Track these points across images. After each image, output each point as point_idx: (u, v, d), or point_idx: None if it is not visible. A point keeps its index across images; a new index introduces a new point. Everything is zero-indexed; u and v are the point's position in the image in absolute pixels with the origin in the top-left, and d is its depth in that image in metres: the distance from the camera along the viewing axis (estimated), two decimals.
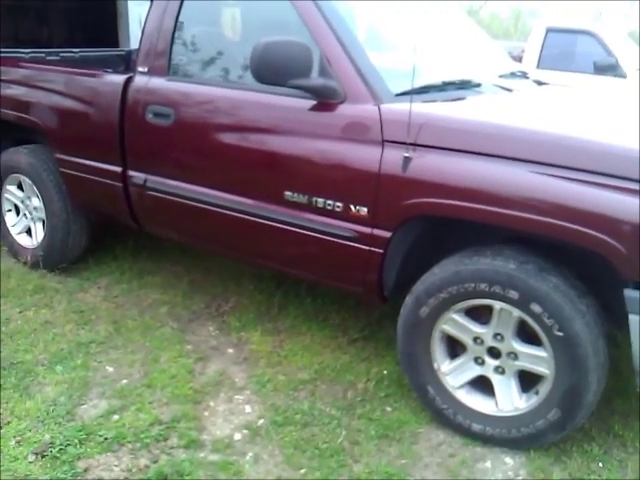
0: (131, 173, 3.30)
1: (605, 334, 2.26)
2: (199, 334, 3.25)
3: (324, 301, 3.54)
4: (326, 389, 2.81)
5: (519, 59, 8.69)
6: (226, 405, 2.70)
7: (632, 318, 2.08)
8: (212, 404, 2.70)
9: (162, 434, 2.49)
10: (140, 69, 3.24)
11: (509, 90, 3.02)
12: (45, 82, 3.68)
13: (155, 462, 2.36)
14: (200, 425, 2.56)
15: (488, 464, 2.39)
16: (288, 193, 2.72)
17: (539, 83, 3.49)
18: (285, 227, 2.77)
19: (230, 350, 3.11)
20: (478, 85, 2.92)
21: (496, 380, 2.43)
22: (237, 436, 2.52)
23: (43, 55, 4.55)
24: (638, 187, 2.03)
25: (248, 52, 2.56)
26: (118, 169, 3.34)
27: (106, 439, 2.45)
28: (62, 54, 4.68)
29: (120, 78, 3.29)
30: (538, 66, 8.38)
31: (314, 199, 2.65)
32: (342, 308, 3.48)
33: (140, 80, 3.22)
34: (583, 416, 2.31)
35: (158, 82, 3.16)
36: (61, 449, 2.38)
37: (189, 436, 2.48)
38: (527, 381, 2.40)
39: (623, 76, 7.93)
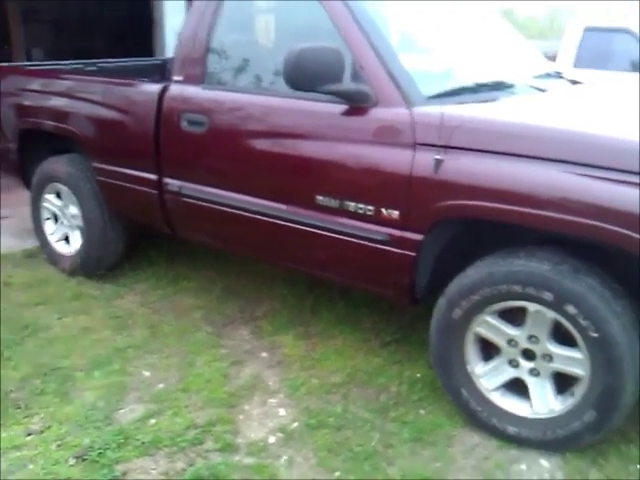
0: (166, 180, 3.35)
1: None
2: (233, 338, 3.28)
3: (356, 304, 3.55)
4: (359, 392, 2.81)
5: (554, 58, 8.59)
6: (260, 408, 2.72)
7: None
8: (247, 407, 2.72)
9: (198, 438, 2.52)
10: (176, 78, 3.30)
11: (543, 90, 2.99)
12: (83, 92, 3.76)
13: (191, 465, 2.38)
14: (235, 428, 2.59)
15: (523, 466, 2.37)
16: (320, 197, 2.73)
17: (574, 82, 3.45)
18: (317, 231, 2.79)
19: (264, 354, 3.14)
20: (511, 86, 2.90)
21: (531, 382, 2.41)
22: (271, 439, 2.53)
23: (82, 66, 4.65)
24: None
25: (281, 59, 2.58)
26: (154, 177, 3.40)
27: (143, 443, 2.49)
28: (100, 65, 4.78)
29: (156, 87, 3.35)
30: (575, 65, 8.27)
31: (346, 203, 2.66)
32: (374, 311, 3.48)
33: (175, 89, 3.27)
34: (619, 417, 2.27)
35: (193, 90, 3.20)
36: (100, 453, 2.42)
37: (224, 439, 2.51)
38: (562, 383, 2.37)
39: None
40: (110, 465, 2.37)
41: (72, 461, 2.40)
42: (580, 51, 8.42)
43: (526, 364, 2.40)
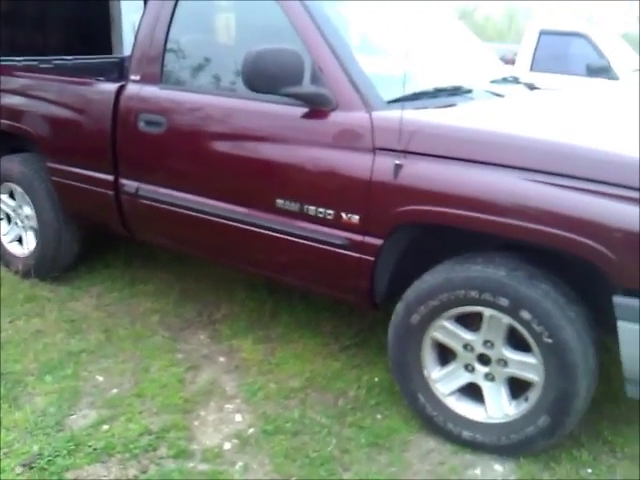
0: (123, 181, 3.29)
1: (595, 340, 2.26)
2: (190, 343, 3.24)
3: (316, 309, 3.54)
4: (317, 397, 2.80)
5: (512, 62, 8.73)
6: (216, 414, 2.69)
7: (621, 325, 2.08)
8: (202, 413, 2.69)
9: (152, 444, 2.48)
10: (132, 77, 3.24)
11: (500, 96, 3.02)
12: (37, 90, 3.68)
13: (144, 472, 2.34)
14: (190, 435, 2.55)
15: (478, 471, 2.38)
16: (280, 201, 2.72)
17: (531, 88, 3.50)
18: (277, 235, 2.77)
19: (221, 359, 3.10)
20: (469, 91, 2.93)
21: (486, 387, 2.43)
22: (227, 445, 2.50)
23: (36, 63, 4.54)
24: (625, 193, 2.04)
25: (240, 60, 2.55)
26: (110, 177, 3.33)
27: (95, 450, 2.44)
28: (55, 62, 4.67)
29: (112, 86, 3.29)
30: (531, 69, 8.41)
31: (305, 207, 2.64)
32: (334, 315, 3.47)
33: (132, 88, 3.22)
34: (572, 422, 2.31)
35: (150, 90, 3.15)
36: (49, 460, 2.36)
37: (179, 446, 2.47)
38: (517, 388, 2.39)
39: (615, 78, 7.96)
40: (59, 472, 2.32)
41: (19, 469, 2.33)
42: (537, 54, 8.56)
43: (481, 369, 2.42)
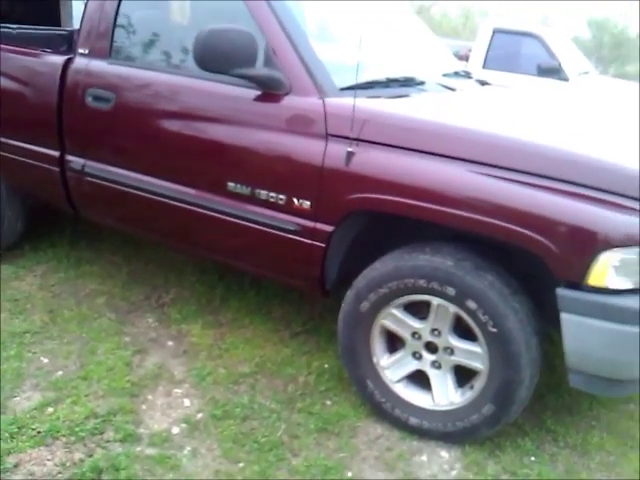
0: (69, 158, 3.20)
1: (538, 331, 2.32)
2: (138, 326, 3.19)
3: (267, 294, 3.53)
4: (266, 383, 2.80)
5: (466, 58, 8.83)
6: (164, 399, 2.66)
7: (563, 316, 2.14)
8: (150, 397, 2.66)
9: (98, 427, 2.44)
10: (81, 50, 3.15)
11: (452, 89, 3.06)
12: None
13: (90, 456, 2.31)
14: (137, 419, 2.52)
15: (424, 458, 2.43)
16: (231, 184, 2.69)
17: (482, 83, 3.55)
18: (227, 218, 2.74)
19: (170, 343, 3.07)
20: (422, 83, 2.95)
21: (433, 374, 2.47)
22: (175, 430, 2.49)
23: None
24: (569, 187, 2.10)
25: (193, 38, 2.51)
26: (55, 153, 3.24)
27: (39, 433, 2.39)
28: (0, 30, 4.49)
29: (59, 59, 3.19)
30: (484, 66, 8.53)
31: (257, 191, 2.63)
32: (285, 301, 3.47)
33: (80, 62, 3.13)
34: (516, 411, 2.37)
35: (99, 65, 3.07)
36: None
37: (125, 430, 2.44)
38: (463, 376, 2.44)
39: (565, 79, 8.14)
40: (0, 456, 2.26)
41: None
42: (490, 52, 8.69)
43: (429, 357, 2.47)
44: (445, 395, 2.45)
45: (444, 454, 2.45)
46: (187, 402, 2.65)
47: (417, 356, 2.49)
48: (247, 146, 2.65)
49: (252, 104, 2.64)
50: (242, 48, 2.49)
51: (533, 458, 2.47)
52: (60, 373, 2.77)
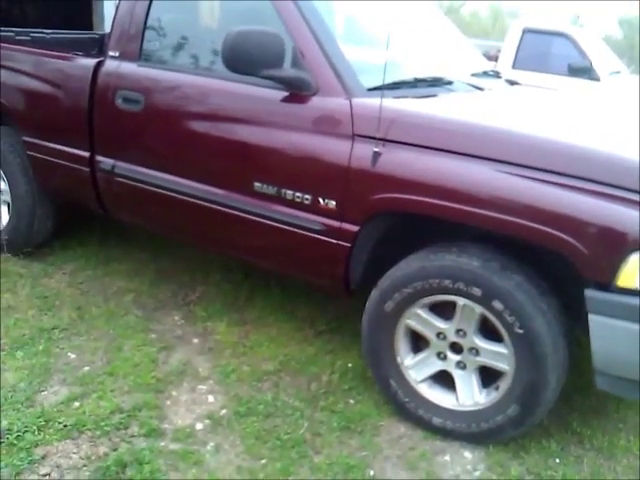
0: (99, 158, 3.25)
1: (566, 332, 2.30)
2: (164, 323, 3.23)
3: (292, 293, 3.54)
4: (290, 381, 2.81)
5: (495, 59, 8.77)
6: (189, 395, 2.69)
7: (592, 318, 2.11)
8: (175, 393, 2.69)
9: (123, 422, 2.47)
10: (111, 53, 3.20)
11: (480, 89, 3.04)
12: (14, 63, 3.60)
13: (115, 450, 2.34)
14: (162, 414, 2.55)
15: (447, 458, 2.42)
16: (257, 184, 2.71)
17: (511, 83, 3.52)
18: (254, 218, 2.76)
19: (195, 340, 3.10)
20: (450, 83, 2.94)
21: (457, 375, 2.46)
22: (199, 426, 2.51)
23: (12, 35, 4.45)
24: (599, 188, 2.07)
25: (221, 40, 2.53)
26: (86, 154, 3.29)
27: (65, 426, 2.43)
28: (33, 35, 4.58)
29: (91, 62, 3.25)
30: (514, 66, 8.46)
31: (283, 191, 2.64)
32: (310, 300, 3.48)
33: (111, 64, 3.18)
34: (542, 413, 2.35)
35: (129, 67, 3.12)
36: (19, 436, 2.35)
37: (150, 425, 2.47)
38: (488, 377, 2.43)
39: (597, 79, 8.03)
40: (29, 448, 2.30)
41: None
42: (519, 52, 8.61)
43: (453, 357, 2.45)
44: (470, 396, 2.43)
45: (467, 454, 2.43)
46: (211, 398, 2.67)
47: (442, 356, 2.48)
48: (274, 146, 2.66)
49: (279, 105, 2.66)
50: (270, 49, 2.51)
51: (558, 460, 2.44)
52: (87, 368, 2.81)
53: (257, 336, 3.14)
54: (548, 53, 8.66)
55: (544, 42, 8.63)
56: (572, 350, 2.36)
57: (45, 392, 2.63)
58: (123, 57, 3.15)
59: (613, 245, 2.05)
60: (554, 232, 2.10)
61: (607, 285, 2.08)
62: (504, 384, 2.34)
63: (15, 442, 2.32)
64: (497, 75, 3.57)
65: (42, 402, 2.56)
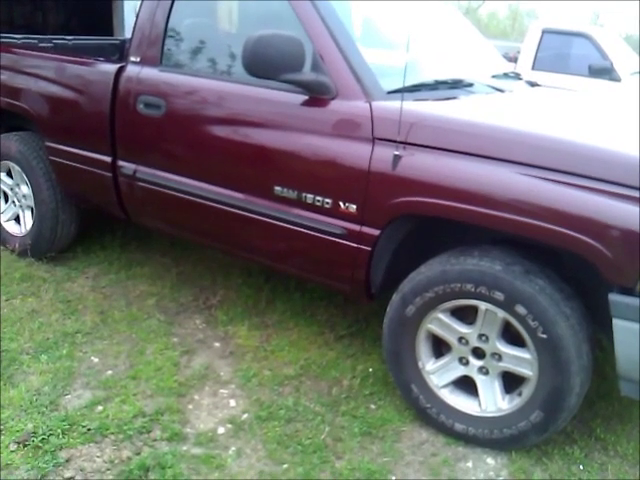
0: (121, 163, 3.28)
1: (590, 337, 2.27)
2: (186, 327, 3.25)
3: (312, 297, 3.54)
4: (311, 385, 2.81)
5: (515, 60, 8.71)
6: (210, 399, 2.70)
7: (616, 322, 2.09)
8: (197, 397, 2.70)
9: (145, 426, 2.49)
10: (132, 59, 3.23)
11: (501, 90, 3.02)
12: (37, 69, 3.65)
13: (137, 454, 2.35)
14: (184, 418, 2.56)
15: (470, 464, 2.40)
16: (277, 188, 2.71)
17: (531, 84, 3.50)
18: (274, 222, 2.77)
19: (216, 344, 3.11)
20: (470, 85, 2.92)
21: (480, 380, 2.44)
22: (221, 430, 2.51)
23: (35, 42, 4.51)
24: (623, 191, 2.04)
25: (241, 45, 2.54)
26: (108, 159, 3.32)
27: (89, 430, 2.45)
28: (55, 41, 4.64)
29: (112, 67, 3.28)
30: (533, 67, 8.40)
31: (303, 195, 2.64)
32: (330, 304, 3.48)
33: (132, 70, 3.20)
34: (565, 419, 2.32)
35: (150, 72, 3.14)
36: (43, 439, 2.38)
37: (172, 429, 2.48)
38: (510, 382, 2.41)
39: (617, 80, 7.95)
40: (53, 451, 2.33)
41: (13, 446, 2.35)
42: (539, 53, 8.55)
43: (476, 362, 2.43)
44: (492, 401, 2.41)
45: (490, 461, 2.42)
46: (233, 403, 2.68)
47: (464, 361, 2.46)
48: (294, 150, 2.67)
49: (299, 109, 2.66)
50: (290, 54, 2.52)
51: (582, 467, 2.41)
52: (110, 372, 2.83)
53: (278, 340, 3.14)
54: (568, 54, 8.59)
55: (564, 43, 8.57)
56: (595, 355, 2.33)
57: (69, 396, 2.66)
58: (144, 62, 3.18)
59: (637, 249, 2.02)
60: (578, 235, 2.07)
61: (631, 289, 2.06)
62: (527, 390, 2.32)
63: (40, 445, 2.35)
64: (517, 77, 3.54)
65: (66, 406, 2.59)
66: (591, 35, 8.48)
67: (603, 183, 2.08)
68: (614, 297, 2.09)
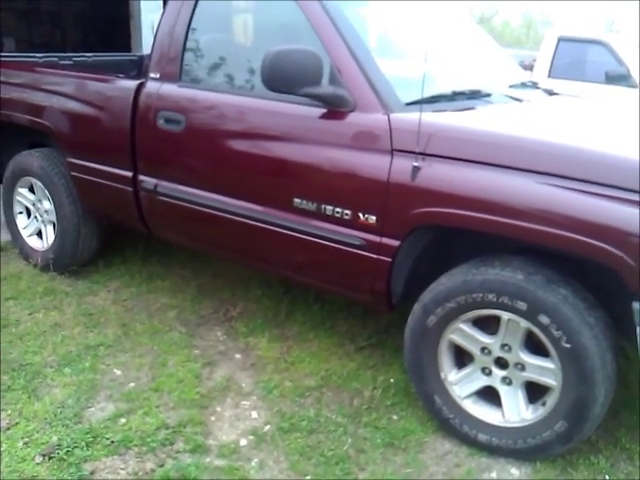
0: (141, 178, 3.32)
1: (613, 346, 2.26)
2: (207, 339, 3.26)
3: (332, 308, 3.55)
4: (332, 396, 2.81)
5: (530, 68, 8.70)
6: (232, 410, 2.71)
7: None
8: (219, 409, 2.71)
9: (168, 438, 2.50)
10: (152, 75, 3.27)
11: (519, 100, 3.02)
12: (58, 86, 3.71)
13: (161, 466, 2.37)
14: (206, 430, 2.57)
15: (494, 475, 2.39)
16: (297, 200, 2.73)
17: (550, 93, 3.49)
18: (294, 234, 2.78)
19: (237, 355, 3.12)
20: (488, 95, 2.92)
21: (503, 391, 2.43)
22: (243, 442, 2.52)
23: (56, 59, 4.58)
24: None
25: (259, 59, 2.57)
26: (129, 174, 3.36)
27: (113, 442, 2.47)
28: (75, 59, 4.71)
29: (132, 84, 3.32)
30: (550, 75, 8.37)
31: (323, 206, 2.66)
32: (350, 315, 3.48)
33: (152, 86, 3.24)
34: (590, 428, 2.30)
35: (169, 88, 3.18)
36: (68, 451, 2.40)
37: (195, 441, 2.49)
38: (534, 392, 2.39)
39: (634, 86, 7.90)
40: (78, 464, 2.35)
41: (39, 459, 2.37)
42: (555, 61, 8.53)
43: (499, 372, 2.42)
44: (516, 412, 2.40)
45: (514, 471, 2.40)
46: (255, 414, 2.68)
47: (487, 372, 2.45)
48: (313, 163, 2.69)
49: (318, 122, 2.68)
50: (308, 68, 2.54)
51: (607, 477, 2.39)
52: (132, 385, 2.86)
53: (298, 351, 3.15)
54: (584, 61, 8.56)
55: (580, 50, 8.54)
56: (619, 364, 2.31)
57: (92, 408, 2.68)
58: (163, 78, 3.22)
59: None
60: (601, 244, 2.07)
61: None
62: (551, 399, 2.31)
63: (65, 457, 2.37)
64: (535, 85, 3.54)
65: (90, 418, 2.61)
66: (607, 42, 8.45)
67: (625, 192, 2.07)
68: (638, 305, 2.07)
